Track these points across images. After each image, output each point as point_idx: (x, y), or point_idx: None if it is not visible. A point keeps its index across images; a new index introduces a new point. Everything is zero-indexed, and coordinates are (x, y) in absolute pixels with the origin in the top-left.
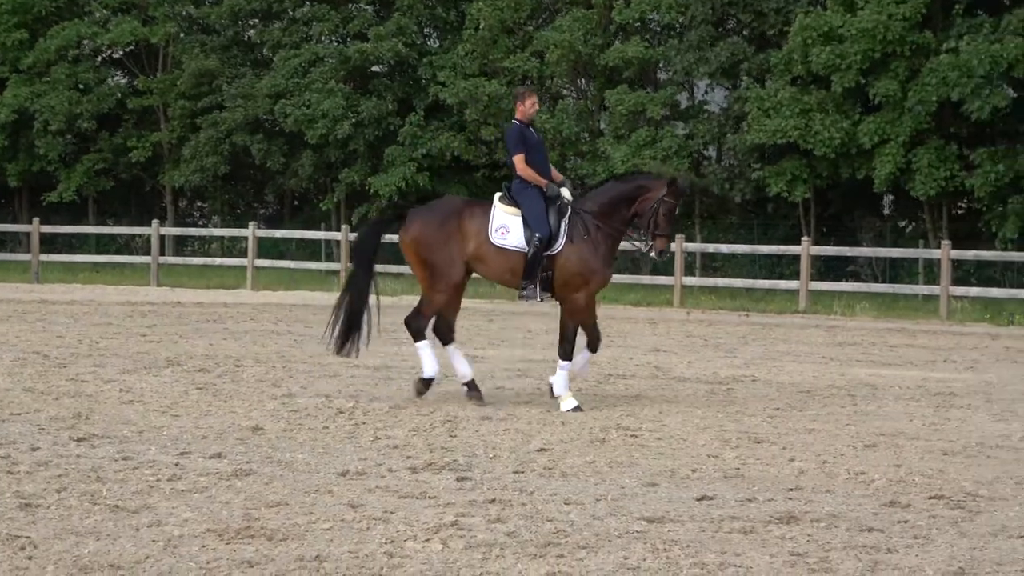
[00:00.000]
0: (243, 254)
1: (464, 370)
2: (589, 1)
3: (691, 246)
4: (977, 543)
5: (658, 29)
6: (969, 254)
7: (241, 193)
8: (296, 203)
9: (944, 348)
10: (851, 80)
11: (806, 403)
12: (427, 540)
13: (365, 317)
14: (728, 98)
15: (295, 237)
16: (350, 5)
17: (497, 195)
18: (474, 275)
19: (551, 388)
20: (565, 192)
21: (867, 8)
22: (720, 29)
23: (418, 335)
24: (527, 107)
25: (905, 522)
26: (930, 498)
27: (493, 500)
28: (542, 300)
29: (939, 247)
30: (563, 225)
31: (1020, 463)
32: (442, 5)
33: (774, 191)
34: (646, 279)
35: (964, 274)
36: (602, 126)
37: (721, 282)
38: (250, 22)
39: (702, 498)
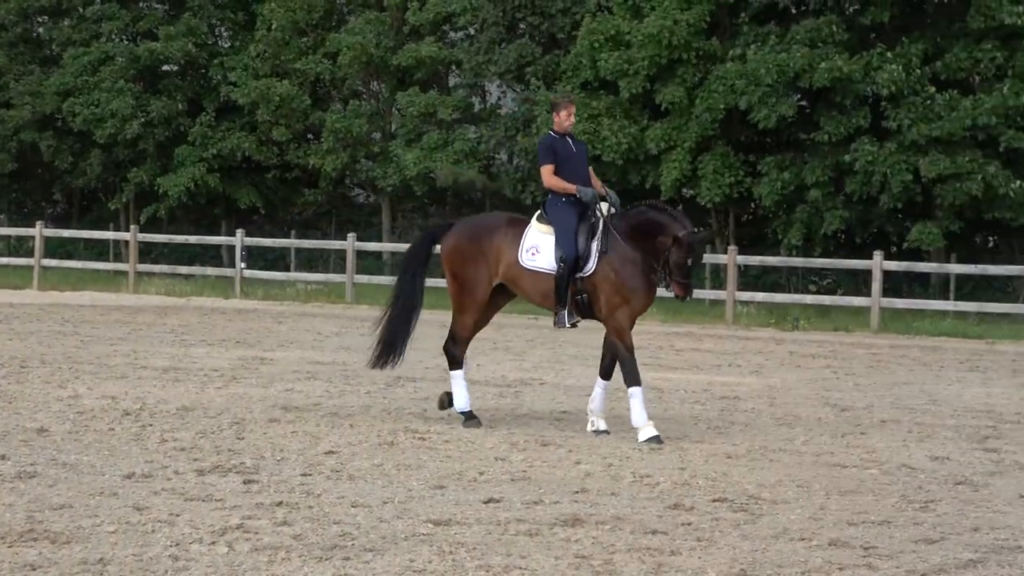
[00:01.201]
0: (30, 254)
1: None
2: (382, 4)
3: None
4: (759, 545)
5: (451, 32)
6: (755, 260)
7: (29, 192)
8: (85, 203)
9: (729, 352)
10: (638, 86)
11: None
12: (213, 543)
13: (408, 330)
14: (517, 100)
15: (83, 237)
16: (140, 4)
17: (537, 213)
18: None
19: (593, 426)
20: (603, 205)
21: (653, 14)
22: (511, 32)
23: (454, 363)
24: (562, 118)
25: (689, 524)
26: (713, 501)
27: (280, 503)
28: (572, 325)
29: (726, 253)
30: (595, 244)
31: (802, 466)
32: (232, 6)
33: None
34: (440, 282)
35: (750, 279)
36: (393, 128)
37: None
38: (39, 19)
39: (489, 501)
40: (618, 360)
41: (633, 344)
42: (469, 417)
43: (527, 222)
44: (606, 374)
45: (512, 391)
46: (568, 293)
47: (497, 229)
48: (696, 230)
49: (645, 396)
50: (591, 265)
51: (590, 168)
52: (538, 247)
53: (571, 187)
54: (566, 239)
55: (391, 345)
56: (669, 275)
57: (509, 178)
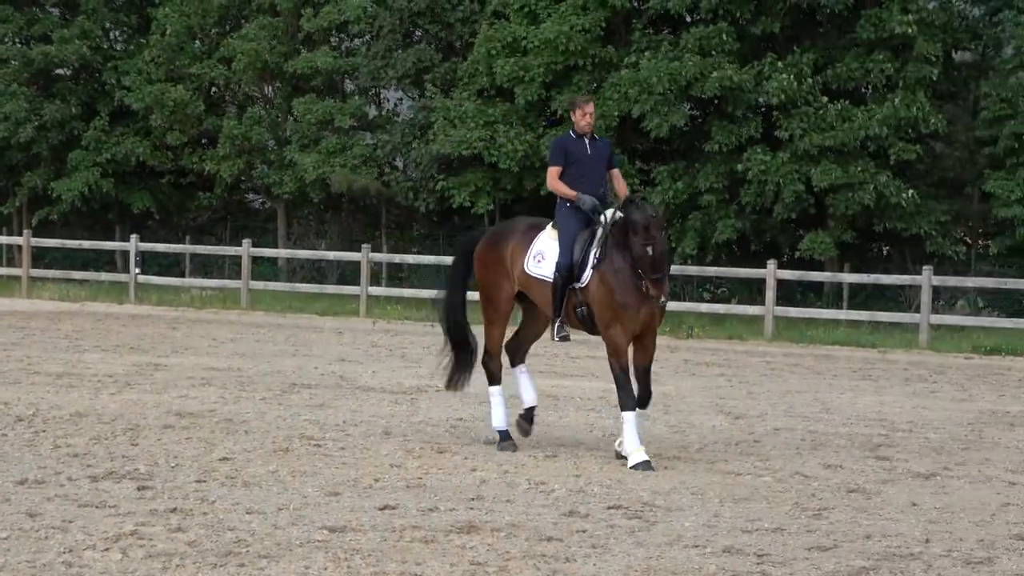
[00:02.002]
0: None
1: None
2: (275, 9)
3: (377, 256)
4: (654, 552)
5: (346, 38)
6: None
7: None
8: None
9: None
10: (534, 93)
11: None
12: (106, 549)
13: (471, 347)
14: (414, 107)
15: None
16: (34, 7)
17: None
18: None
19: (619, 446)
20: (609, 212)
21: (549, 20)
22: (407, 39)
23: (492, 379)
24: (578, 117)
25: (584, 531)
26: (609, 508)
27: (174, 509)
28: (560, 339)
29: None
30: (592, 253)
31: (696, 474)
32: (127, 10)
33: (458, 202)
34: (331, 288)
35: None
36: (289, 134)
37: (407, 292)
38: None
39: (384, 507)
40: (615, 381)
41: (628, 365)
42: (504, 438)
43: (543, 227)
44: (640, 403)
45: (408, 398)
46: (563, 304)
47: (514, 235)
48: (636, 200)
49: (640, 422)
50: (586, 276)
51: (615, 170)
52: (544, 254)
53: (571, 193)
54: (565, 246)
55: (461, 360)
56: (641, 275)
57: (400, 186)
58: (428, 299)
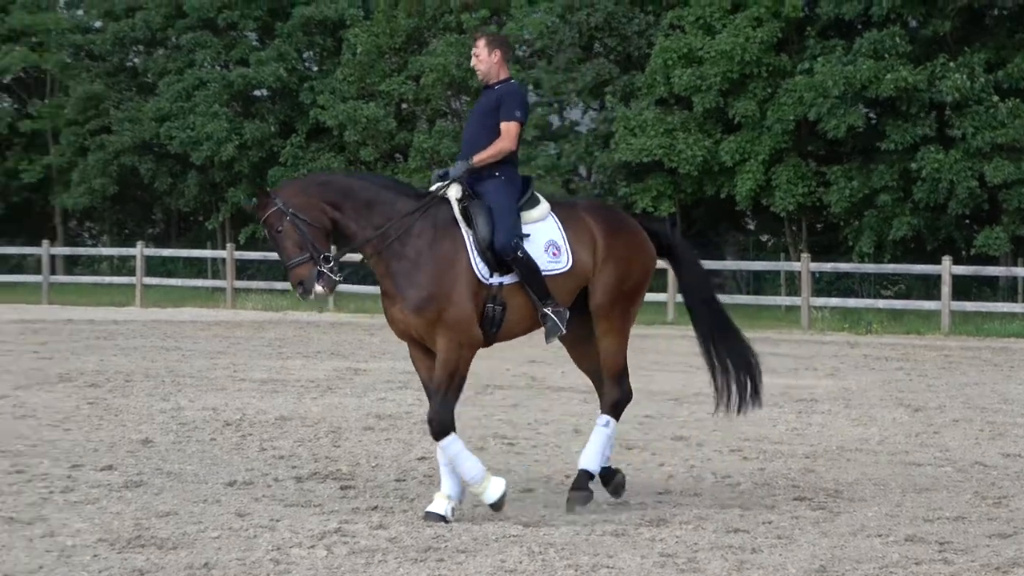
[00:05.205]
0: (132, 272)
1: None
2: (462, 27)
3: None
4: (838, 542)
5: (528, 54)
6: (828, 266)
7: (130, 213)
8: (183, 223)
9: (806, 356)
10: (711, 101)
11: (675, 410)
12: (312, 546)
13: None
14: (596, 119)
15: (182, 255)
16: (232, 33)
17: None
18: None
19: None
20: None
21: (725, 31)
22: (587, 52)
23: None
24: (472, 62)
25: (769, 523)
26: (793, 500)
27: (375, 507)
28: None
29: (800, 260)
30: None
31: (878, 465)
32: (320, 32)
33: (640, 207)
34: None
35: (824, 285)
36: None
37: None
38: (134, 48)
39: None
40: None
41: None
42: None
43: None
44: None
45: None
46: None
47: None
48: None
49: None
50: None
51: (502, 124)
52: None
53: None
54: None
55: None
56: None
57: (587, 193)
58: None
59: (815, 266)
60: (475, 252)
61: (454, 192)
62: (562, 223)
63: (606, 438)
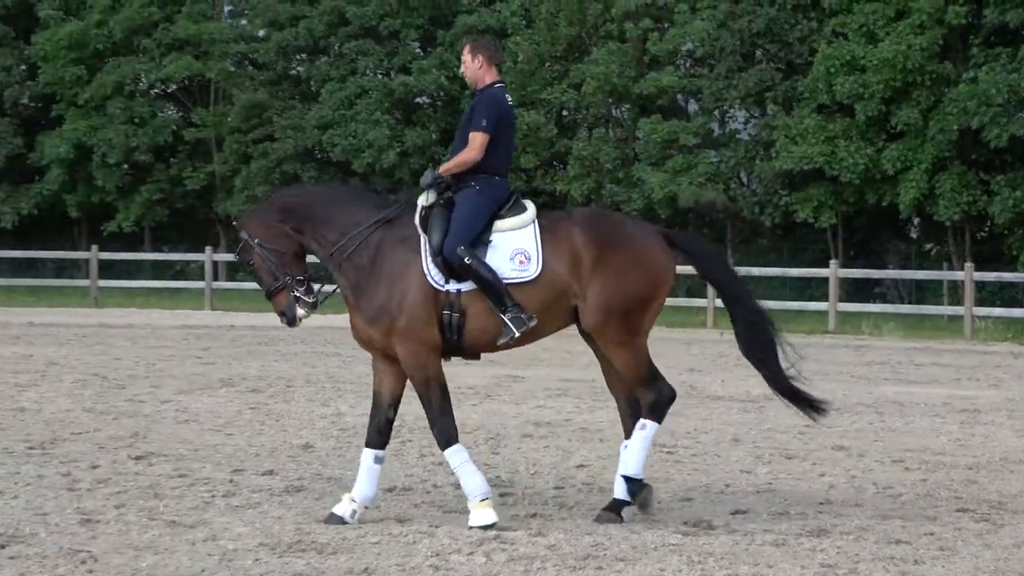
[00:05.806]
0: None
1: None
2: (623, 36)
3: None
4: (1001, 554)
5: (689, 62)
6: (991, 276)
7: None
8: None
9: (968, 366)
10: (874, 108)
11: (835, 420)
12: (471, 553)
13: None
14: (756, 125)
15: None
16: (394, 41)
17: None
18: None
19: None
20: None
21: (887, 39)
22: (748, 60)
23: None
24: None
25: (932, 534)
26: (956, 511)
27: (534, 515)
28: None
29: (963, 269)
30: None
31: None
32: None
33: (801, 217)
34: (682, 301)
35: (987, 295)
36: (636, 153)
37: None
38: (297, 56)
39: (735, 512)
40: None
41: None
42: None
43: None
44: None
45: (756, 406)
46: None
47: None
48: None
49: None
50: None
51: (470, 134)
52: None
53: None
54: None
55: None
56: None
57: (746, 201)
58: (774, 310)
59: (979, 275)
60: (428, 259)
61: (423, 200)
62: (542, 232)
63: (645, 440)
